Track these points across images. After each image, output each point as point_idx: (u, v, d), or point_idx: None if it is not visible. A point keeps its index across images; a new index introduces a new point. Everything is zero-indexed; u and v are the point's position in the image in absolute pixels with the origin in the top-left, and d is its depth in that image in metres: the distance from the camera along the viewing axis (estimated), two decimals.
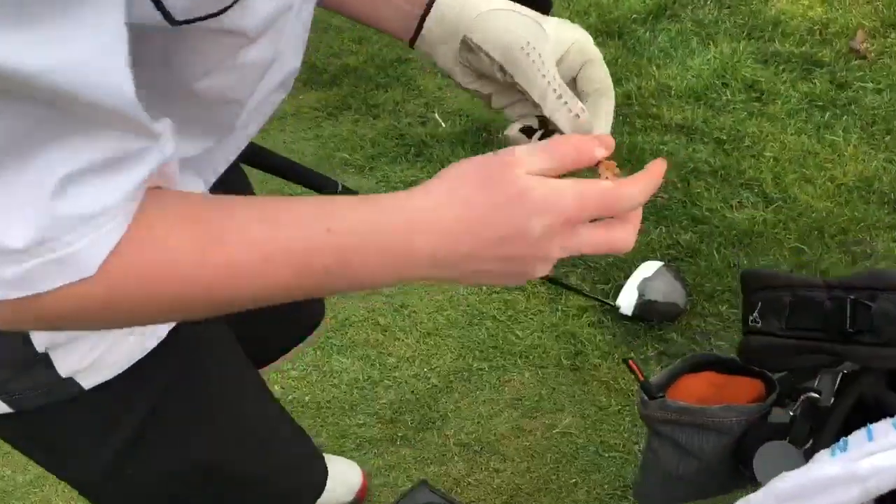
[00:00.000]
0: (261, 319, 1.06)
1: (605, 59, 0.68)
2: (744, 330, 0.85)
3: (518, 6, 0.66)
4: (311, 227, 0.49)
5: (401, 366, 1.76)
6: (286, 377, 1.77)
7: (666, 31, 2.44)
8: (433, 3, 0.66)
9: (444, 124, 2.31)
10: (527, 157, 0.50)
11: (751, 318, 0.81)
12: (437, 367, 1.74)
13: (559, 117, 0.64)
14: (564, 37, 0.65)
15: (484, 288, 1.89)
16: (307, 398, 1.73)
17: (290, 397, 1.72)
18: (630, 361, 0.87)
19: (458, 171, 0.51)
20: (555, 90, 0.63)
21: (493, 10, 0.64)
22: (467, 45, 0.64)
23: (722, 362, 0.89)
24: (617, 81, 2.30)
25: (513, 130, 0.68)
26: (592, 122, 0.65)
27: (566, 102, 0.63)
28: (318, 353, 1.80)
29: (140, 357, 0.71)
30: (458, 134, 2.26)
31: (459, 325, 1.82)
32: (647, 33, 2.44)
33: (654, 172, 0.53)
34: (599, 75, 0.67)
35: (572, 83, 0.67)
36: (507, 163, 0.50)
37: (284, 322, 1.16)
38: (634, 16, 2.49)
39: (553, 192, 0.49)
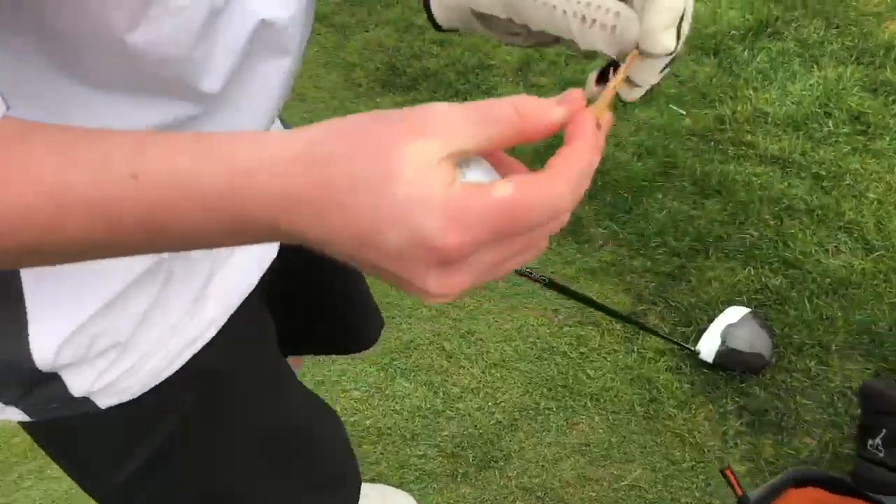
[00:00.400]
0: (318, 318, 1.03)
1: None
2: (858, 451, 0.77)
3: None
4: (114, 171, 0.38)
5: (465, 396, 1.70)
6: (348, 397, 1.73)
7: (766, 51, 2.30)
8: None
9: None
10: (444, 126, 0.36)
11: (870, 442, 0.73)
12: (503, 402, 1.68)
13: (595, 42, 0.50)
14: None
15: (555, 320, 1.82)
16: (368, 422, 1.69)
17: (351, 419, 1.69)
18: (727, 471, 0.79)
19: (349, 121, 0.37)
20: (575, 14, 0.50)
21: None
22: (479, 15, 0.56)
23: (830, 481, 0.81)
24: (709, 103, 2.18)
25: (590, 87, 0.53)
26: (641, 20, 0.48)
27: (594, 20, 0.49)
28: (381, 374, 1.76)
29: (158, 383, 0.68)
30: (539, 149, 2.18)
31: (528, 359, 1.75)
32: (746, 52, 2.31)
33: (583, 132, 0.39)
34: None
35: None
36: (407, 129, 0.36)
37: (343, 329, 1.12)
38: (733, 32, 2.35)
39: (422, 204, 0.35)
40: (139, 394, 0.67)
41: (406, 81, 2.47)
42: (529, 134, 0.37)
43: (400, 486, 1.56)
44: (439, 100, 2.39)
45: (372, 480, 1.56)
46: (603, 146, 0.40)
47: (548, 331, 1.80)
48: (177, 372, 0.69)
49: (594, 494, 1.53)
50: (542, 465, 1.58)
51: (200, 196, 0.38)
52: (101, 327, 0.63)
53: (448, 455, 1.61)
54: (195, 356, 0.69)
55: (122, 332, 0.64)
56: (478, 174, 0.38)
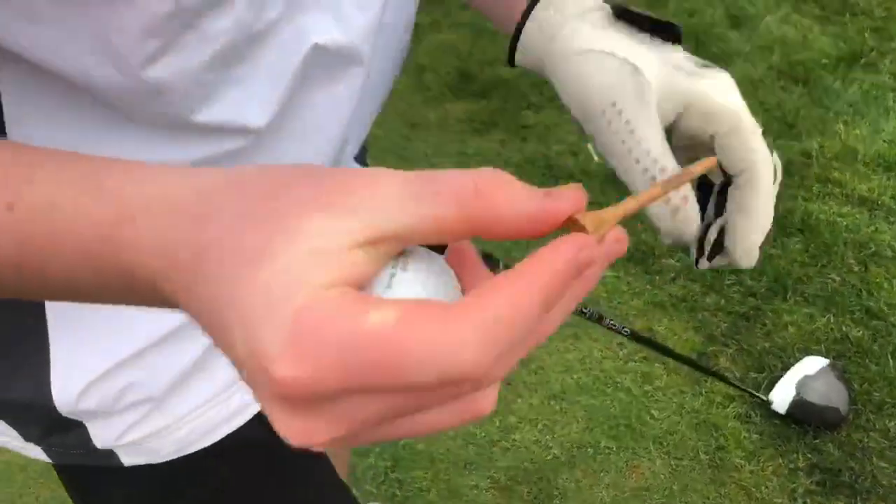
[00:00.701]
0: None
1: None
2: None
3: (620, 42, 0.50)
4: None
5: (522, 427, 1.65)
6: None
7: (859, 83, 2.19)
8: (522, 25, 0.52)
9: (596, 158, 2.16)
10: (369, 197, 0.26)
11: None
12: (561, 437, 1.63)
13: (652, 212, 0.47)
14: (683, 88, 0.49)
15: (620, 354, 1.75)
16: (420, 446, 1.65)
17: (402, 443, 1.65)
18: None
19: (257, 172, 0.29)
20: (646, 169, 0.47)
21: (582, 52, 0.49)
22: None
23: None
24: (796, 136, 2.08)
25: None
26: (735, 226, 0.47)
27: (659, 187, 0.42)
28: None
29: (191, 452, 0.63)
30: (613, 172, 2.11)
31: (590, 393, 1.69)
32: (837, 82, 2.20)
33: (547, 258, 0.25)
34: (741, 150, 0.48)
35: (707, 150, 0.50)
36: (315, 196, 0.26)
37: None
38: (824, 60, 2.25)
39: (274, 308, 0.24)
40: (168, 458, 0.63)
41: (477, 89, 2.42)
42: (485, 224, 0.26)
43: None
44: (510, 109, 2.33)
45: None
46: (591, 285, 0.28)
47: (612, 364, 1.73)
48: (214, 443, 0.64)
49: None
50: None
51: (76, 239, 0.31)
52: (133, 378, 0.58)
53: (502, 487, 1.57)
54: (238, 429, 0.65)
55: (156, 388, 0.60)
56: (412, 282, 0.27)
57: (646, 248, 1.89)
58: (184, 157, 0.49)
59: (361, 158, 0.79)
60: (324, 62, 0.51)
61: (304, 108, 0.53)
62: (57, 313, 0.55)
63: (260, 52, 0.47)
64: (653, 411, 1.65)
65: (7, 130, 0.45)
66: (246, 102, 0.48)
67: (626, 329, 1.45)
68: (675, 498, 1.52)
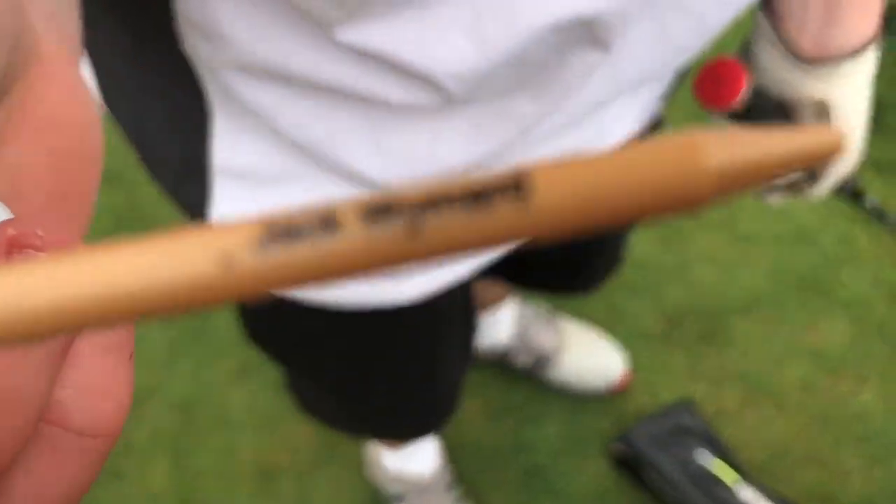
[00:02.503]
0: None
1: None
2: None
3: None
4: None
5: (701, 263, 1.58)
6: None
7: None
8: None
9: None
10: None
11: None
12: (741, 282, 1.55)
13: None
14: None
15: (821, 207, 1.61)
16: None
17: None
18: None
19: None
20: None
21: None
22: None
23: None
24: None
25: None
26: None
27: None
28: None
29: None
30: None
31: (782, 241, 1.59)
32: None
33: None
34: None
35: None
36: None
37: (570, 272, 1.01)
38: None
39: None
40: None
41: None
42: None
43: (607, 334, 1.50)
44: None
45: (581, 321, 1.51)
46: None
47: (810, 217, 1.61)
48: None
49: (813, 406, 1.42)
50: (766, 361, 1.47)
51: None
52: None
53: (667, 318, 1.53)
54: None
55: None
56: None
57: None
58: None
59: None
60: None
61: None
62: None
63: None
64: (845, 274, 1.54)
65: None
66: None
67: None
68: (849, 365, 1.45)
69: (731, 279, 1.56)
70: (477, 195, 0.09)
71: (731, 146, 0.09)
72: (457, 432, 1.39)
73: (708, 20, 0.49)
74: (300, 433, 1.41)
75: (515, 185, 0.09)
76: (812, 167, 0.49)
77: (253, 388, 1.46)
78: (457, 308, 0.77)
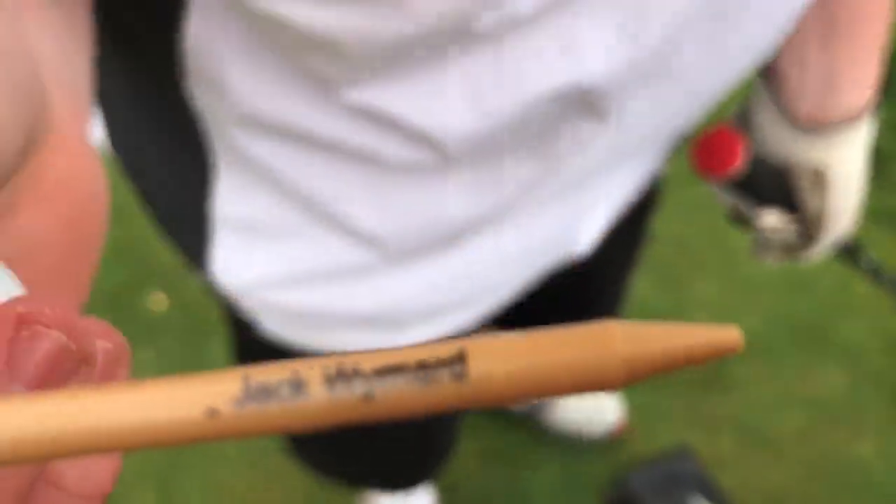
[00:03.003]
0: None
1: None
2: None
3: None
4: None
5: (698, 307, 1.58)
6: None
7: None
8: None
9: None
10: None
11: None
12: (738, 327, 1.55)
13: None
14: None
15: None
16: None
17: None
18: None
19: None
20: None
21: None
22: None
23: None
24: None
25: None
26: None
27: None
28: None
29: None
30: None
31: (780, 287, 1.59)
32: None
33: None
34: None
35: None
36: None
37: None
38: None
39: None
40: None
41: None
42: None
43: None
44: None
45: None
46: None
47: (810, 264, 1.61)
48: None
49: (810, 455, 1.42)
50: (762, 408, 1.47)
51: None
52: None
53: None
54: None
55: None
56: None
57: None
58: None
59: None
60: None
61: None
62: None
63: None
64: (842, 322, 1.54)
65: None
66: None
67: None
68: (848, 414, 1.45)
69: (727, 324, 1.55)
70: (423, 366, 0.10)
71: (637, 338, 0.11)
72: (452, 475, 1.38)
73: (700, 90, 0.50)
74: (293, 469, 1.40)
75: (459, 358, 0.11)
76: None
77: None
78: None
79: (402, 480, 0.97)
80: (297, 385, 0.11)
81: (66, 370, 0.14)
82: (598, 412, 1.43)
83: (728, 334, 0.13)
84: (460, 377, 0.10)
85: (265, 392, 0.11)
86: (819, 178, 0.59)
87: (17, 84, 0.23)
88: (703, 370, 1.51)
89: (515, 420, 1.45)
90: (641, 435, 1.45)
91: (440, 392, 0.11)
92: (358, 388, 0.10)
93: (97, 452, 0.11)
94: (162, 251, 1.53)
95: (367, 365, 0.10)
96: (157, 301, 1.58)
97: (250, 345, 0.67)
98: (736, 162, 0.57)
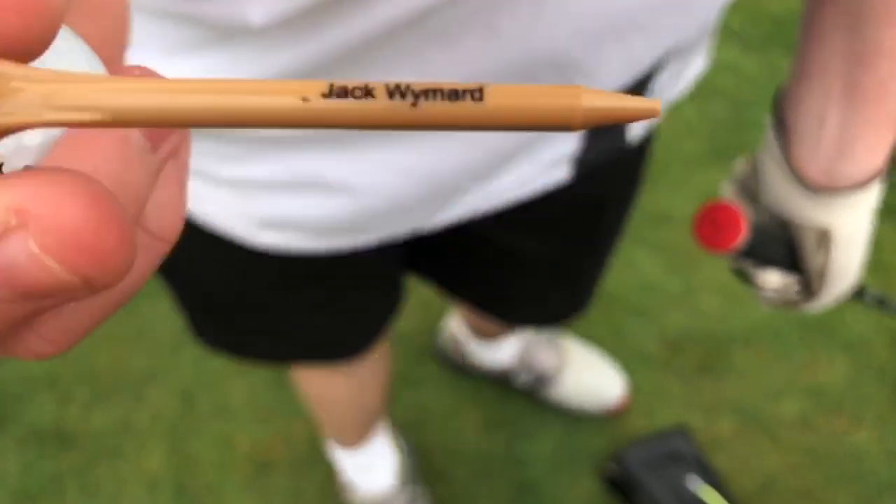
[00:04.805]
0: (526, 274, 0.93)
1: None
2: None
3: None
4: None
5: (706, 290, 1.59)
6: None
7: None
8: None
9: None
10: None
11: None
12: (744, 312, 1.57)
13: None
14: None
15: None
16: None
17: None
18: None
19: None
20: None
21: None
22: None
23: None
24: None
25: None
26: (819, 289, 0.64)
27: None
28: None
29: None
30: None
31: None
32: None
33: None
34: None
35: None
36: None
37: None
38: None
39: None
40: None
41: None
42: None
43: (608, 356, 1.51)
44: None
45: (584, 341, 1.53)
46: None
47: None
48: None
49: (808, 442, 1.43)
50: (763, 393, 1.48)
51: None
52: None
53: (669, 344, 1.54)
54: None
55: None
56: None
57: None
58: None
59: None
60: None
61: None
62: None
63: None
64: (848, 314, 1.55)
65: None
66: None
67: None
68: (847, 405, 1.46)
69: (735, 309, 1.57)
70: (454, 91, 0.15)
71: (598, 99, 0.16)
72: (451, 441, 1.41)
73: None
74: (297, 428, 1.43)
75: (479, 90, 0.15)
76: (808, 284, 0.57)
77: (253, 382, 1.48)
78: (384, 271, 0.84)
79: (325, 350, 0.93)
80: (367, 91, 0.15)
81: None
82: (600, 388, 1.45)
83: (650, 102, 0.16)
84: (478, 100, 0.15)
85: (344, 92, 0.15)
86: (824, 238, 0.60)
87: None
88: (707, 352, 1.52)
89: (517, 392, 1.47)
90: (641, 414, 1.47)
91: (464, 108, 0.15)
92: (409, 99, 0.15)
93: (215, 125, 0.15)
94: None
95: (417, 87, 0.15)
96: None
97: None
98: (739, 236, 0.57)
